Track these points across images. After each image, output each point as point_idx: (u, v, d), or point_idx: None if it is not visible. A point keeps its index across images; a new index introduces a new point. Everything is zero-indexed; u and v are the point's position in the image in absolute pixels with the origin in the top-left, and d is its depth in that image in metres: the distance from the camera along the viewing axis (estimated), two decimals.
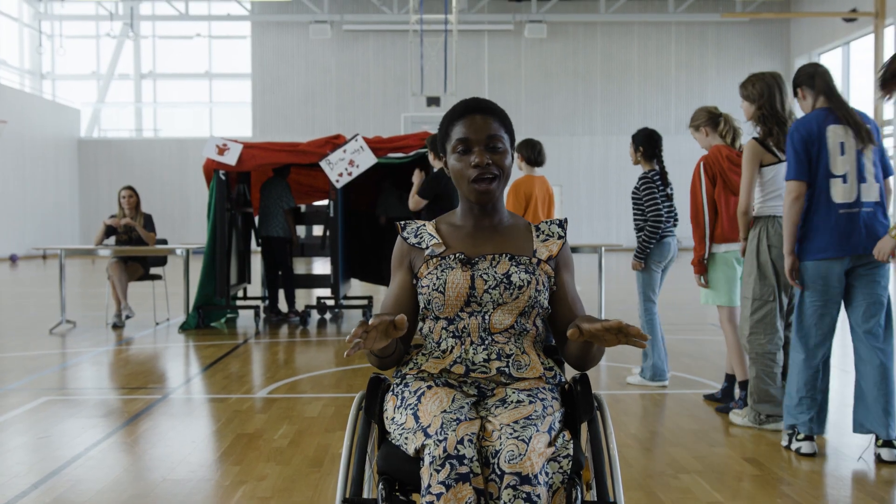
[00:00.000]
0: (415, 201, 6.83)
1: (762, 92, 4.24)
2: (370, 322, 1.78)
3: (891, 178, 3.85)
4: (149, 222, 8.76)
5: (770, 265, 4.21)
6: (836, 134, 3.75)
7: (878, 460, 3.70)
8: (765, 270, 4.22)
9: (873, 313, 3.76)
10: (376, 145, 8.33)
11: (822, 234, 3.75)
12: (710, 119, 4.87)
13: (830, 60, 25.09)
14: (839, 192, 3.73)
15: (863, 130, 3.74)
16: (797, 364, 3.86)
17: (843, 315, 3.88)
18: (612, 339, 1.81)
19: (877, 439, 3.75)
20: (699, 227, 4.77)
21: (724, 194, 4.73)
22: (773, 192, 4.25)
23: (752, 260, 4.24)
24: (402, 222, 2.22)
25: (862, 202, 3.72)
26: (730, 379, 4.85)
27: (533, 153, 6.32)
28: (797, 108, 4.18)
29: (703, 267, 4.80)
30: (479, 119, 2.11)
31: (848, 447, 3.96)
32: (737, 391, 4.80)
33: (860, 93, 22.23)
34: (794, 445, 3.86)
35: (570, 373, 2.18)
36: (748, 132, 4.53)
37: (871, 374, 3.74)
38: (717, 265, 4.80)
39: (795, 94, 4.01)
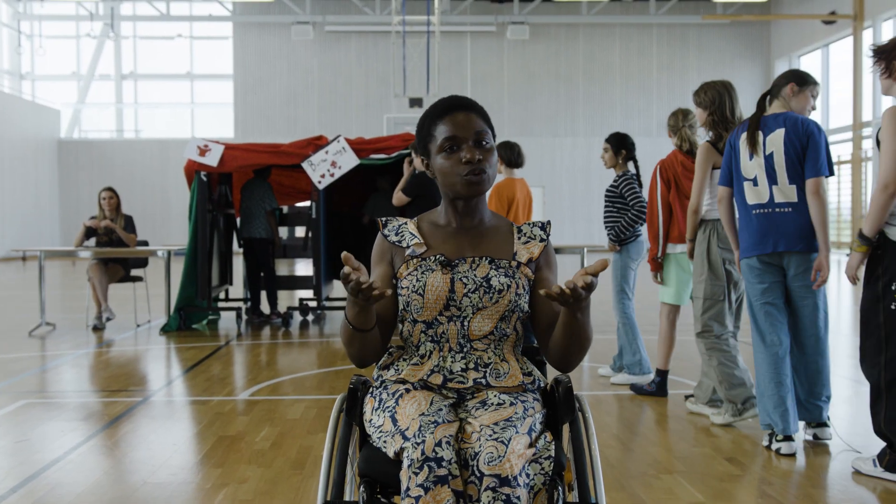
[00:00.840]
0: (398, 198, 6.90)
1: (713, 99, 4.46)
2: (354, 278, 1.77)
3: (810, 180, 3.80)
4: (129, 224, 8.71)
5: (721, 265, 4.42)
6: (746, 140, 3.95)
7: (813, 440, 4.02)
8: (716, 270, 4.43)
9: (796, 323, 3.98)
10: (359, 146, 8.33)
11: (744, 234, 4.02)
12: (672, 128, 5.12)
13: (810, 62, 25.29)
14: (751, 194, 3.95)
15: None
16: (758, 361, 4.01)
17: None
18: (580, 295, 1.76)
19: (808, 423, 4.05)
20: (653, 226, 5.03)
21: (678, 198, 4.94)
22: None
23: (703, 261, 4.45)
24: (384, 219, 2.19)
25: (775, 203, 3.88)
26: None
27: (512, 155, 6.35)
28: (746, 115, 4.32)
29: (656, 264, 5.05)
30: (463, 116, 2.08)
31: (830, 446, 3.99)
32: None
33: (839, 95, 22.39)
34: (774, 446, 3.89)
35: (551, 375, 2.18)
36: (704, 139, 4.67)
37: (801, 374, 3.99)
38: (673, 265, 5.02)
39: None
